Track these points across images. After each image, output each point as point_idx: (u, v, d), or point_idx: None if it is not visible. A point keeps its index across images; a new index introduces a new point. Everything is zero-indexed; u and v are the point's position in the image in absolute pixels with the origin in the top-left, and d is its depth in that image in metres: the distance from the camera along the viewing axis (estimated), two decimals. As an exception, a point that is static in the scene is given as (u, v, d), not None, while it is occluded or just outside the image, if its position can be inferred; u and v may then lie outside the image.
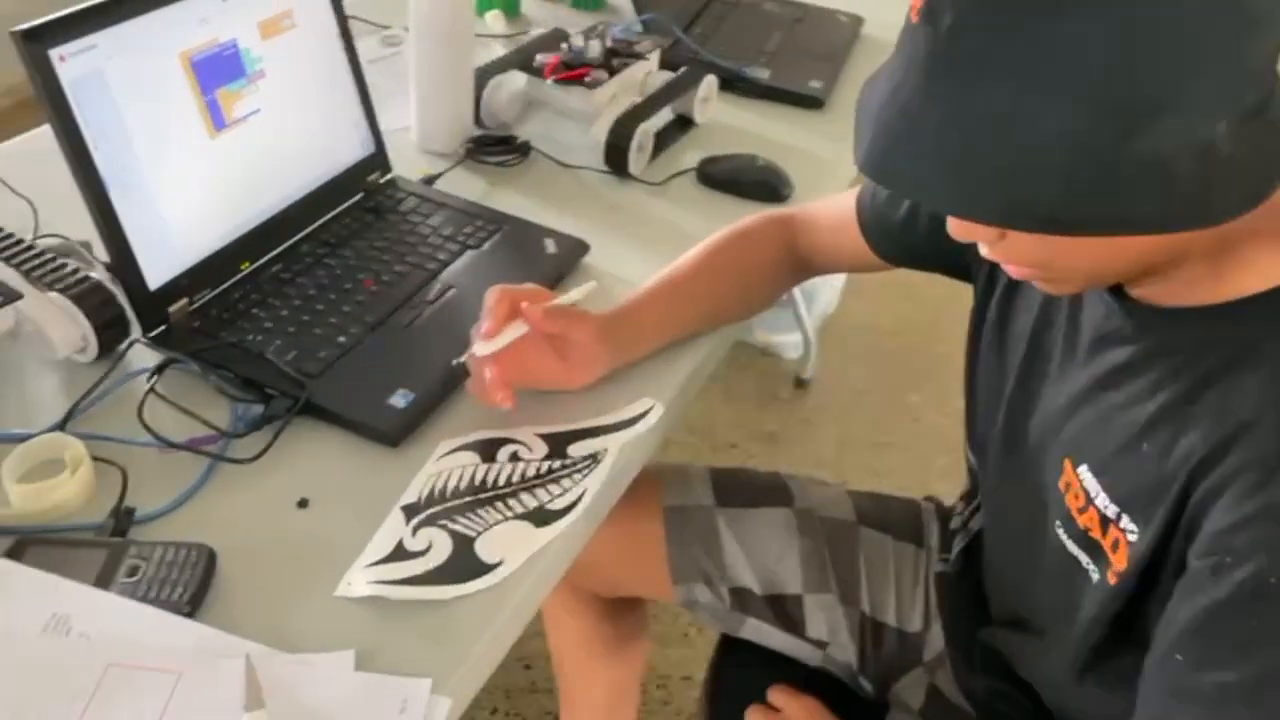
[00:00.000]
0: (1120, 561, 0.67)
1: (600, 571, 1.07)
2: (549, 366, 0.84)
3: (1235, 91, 0.55)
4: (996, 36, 0.54)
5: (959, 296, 0.89)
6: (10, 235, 0.85)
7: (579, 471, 0.79)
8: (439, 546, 0.72)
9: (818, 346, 2.26)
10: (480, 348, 0.78)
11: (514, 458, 0.79)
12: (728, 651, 1.05)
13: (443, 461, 0.78)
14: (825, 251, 0.98)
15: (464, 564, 0.71)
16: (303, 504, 0.74)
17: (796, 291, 2.10)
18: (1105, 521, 0.68)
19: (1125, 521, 0.66)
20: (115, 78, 0.78)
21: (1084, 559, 0.71)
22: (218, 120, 0.87)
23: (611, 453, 0.81)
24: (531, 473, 0.78)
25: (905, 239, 0.92)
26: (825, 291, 2.30)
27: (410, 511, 0.74)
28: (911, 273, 0.97)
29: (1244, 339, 0.62)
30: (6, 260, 0.82)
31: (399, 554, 0.71)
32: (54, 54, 0.74)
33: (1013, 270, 0.66)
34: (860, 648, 0.98)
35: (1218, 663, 0.58)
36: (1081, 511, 0.70)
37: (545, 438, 0.81)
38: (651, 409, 0.86)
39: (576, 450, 0.80)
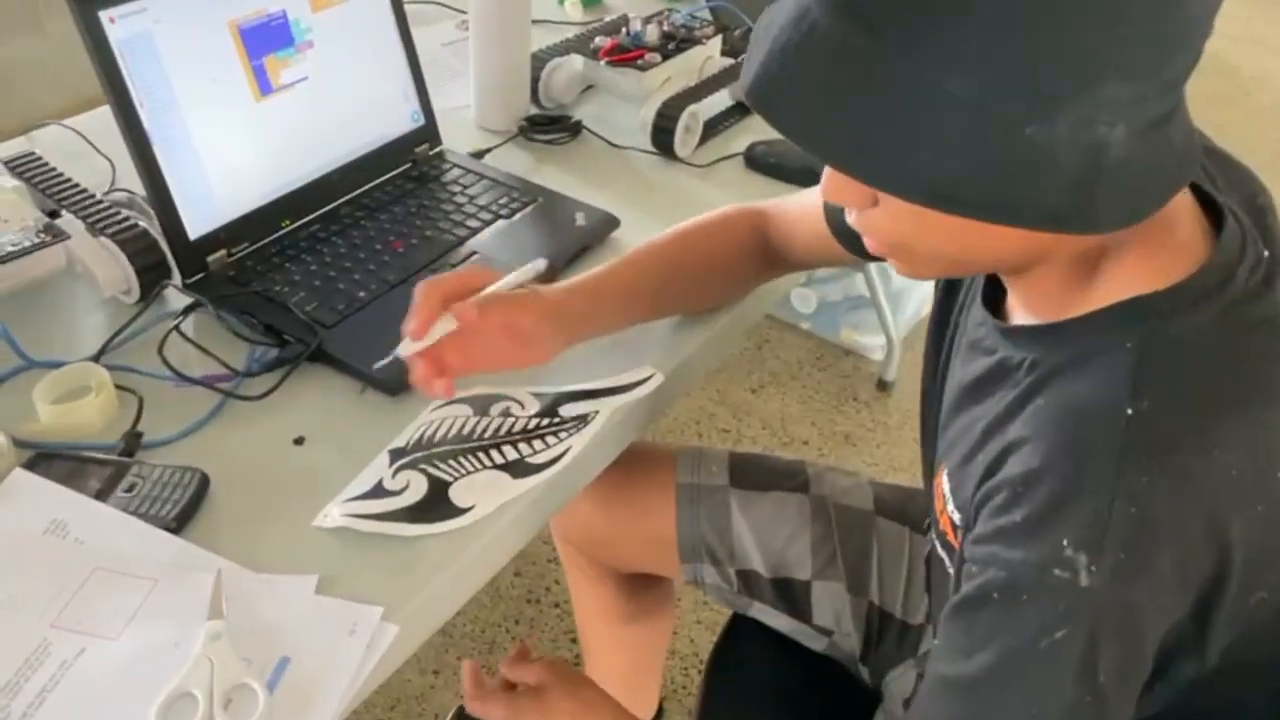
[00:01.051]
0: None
1: (613, 548, 1.09)
2: (496, 351, 0.79)
3: (1144, 99, 0.52)
4: None
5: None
6: (78, 186, 0.92)
7: (565, 430, 0.81)
8: (415, 487, 0.75)
9: (906, 350, 2.22)
10: (405, 347, 0.74)
11: (505, 413, 0.82)
12: (735, 629, 1.05)
13: (437, 412, 0.81)
14: (797, 246, 0.94)
15: (435, 506, 0.74)
16: (299, 441, 0.78)
17: (881, 293, 2.07)
18: (955, 528, 0.67)
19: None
20: (163, 40, 0.85)
21: (947, 562, 0.70)
22: (264, 85, 0.93)
23: (602, 415, 0.83)
24: (519, 428, 0.81)
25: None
26: (917, 295, 2.25)
27: (396, 455, 0.77)
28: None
29: (1071, 357, 0.60)
30: (70, 208, 0.90)
31: (377, 492, 0.74)
32: (104, 15, 0.81)
33: (872, 244, 0.64)
34: (865, 637, 0.97)
35: (949, 656, 0.60)
36: (941, 513, 0.70)
37: (539, 396, 0.84)
38: (651, 377, 0.87)
39: (568, 410, 0.83)
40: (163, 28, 0.85)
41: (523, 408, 0.83)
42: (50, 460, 0.73)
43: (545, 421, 0.82)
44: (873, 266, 2.05)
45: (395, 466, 0.76)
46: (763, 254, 0.94)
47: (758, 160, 1.20)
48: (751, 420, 2.05)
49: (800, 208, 0.92)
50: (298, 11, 0.95)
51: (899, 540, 0.99)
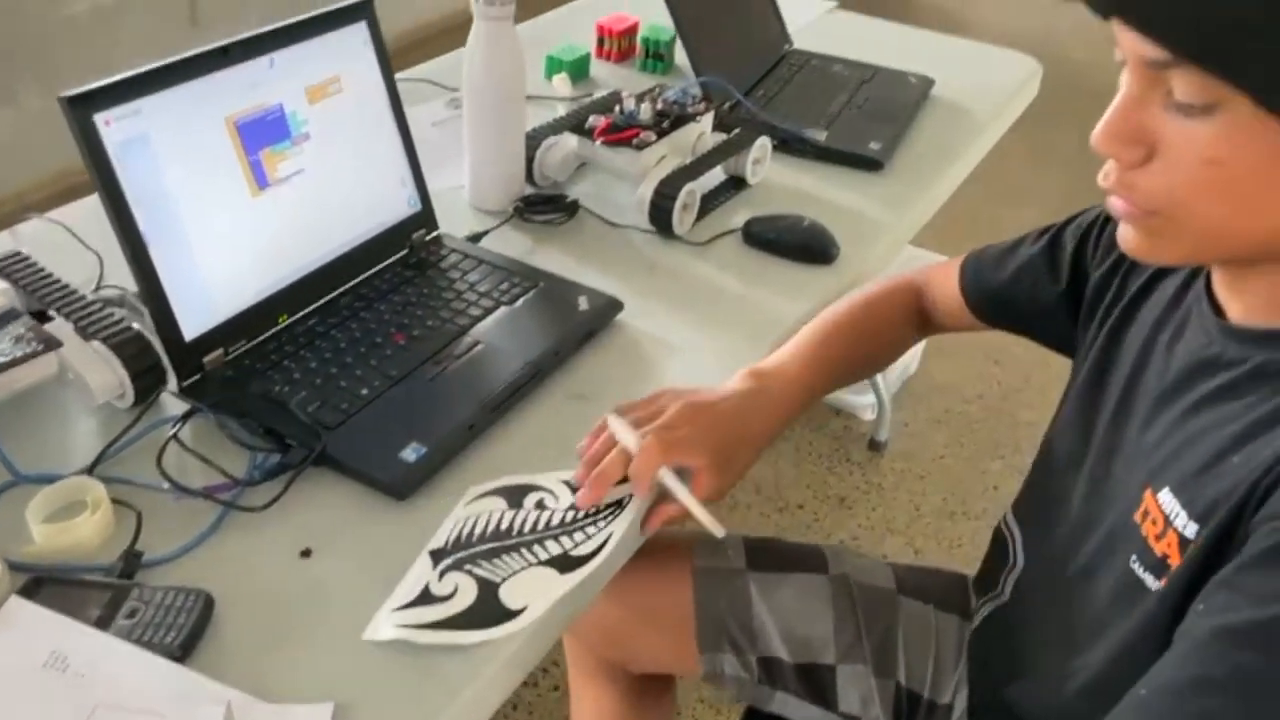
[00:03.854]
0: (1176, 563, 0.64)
1: (627, 641, 1.06)
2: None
3: None
4: None
5: (1049, 361, 0.88)
6: (66, 286, 0.90)
7: (604, 518, 0.79)
8: (464, 591, 0.72)
9: (896, 409, 2.21)
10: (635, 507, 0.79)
11: (540, 505, 0.79)
12: (752, 720, 1.02)
13: (471, 506, 0.79)
14: (936, 312, 1.01)
15: (489, 609, 0.71)
16: (305, 554, 0.75)
17: (870, 352, 2.07)
18: (1184, 544, 0.64)
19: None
20: (159, 140, 0.83)
21: (1150, 581, 0.67)
22: (260, 179, 0.91)
23: (636, 499, 0.81)
24: (556, 520, 0.79)
25: (1005, 300, 0.93)
26: (902, 356, 2.25)
27: (437, 556, 0.75)
28: (1003, 336, 0.99)
29: None
30: (59, 310, 0.87)
31: (425, 598, 0.71)
32: (99, 118, 0.79)
33: (1123, 207, 0.63)
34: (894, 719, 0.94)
35: (1231, 607, 0.55)
36: (1159, 538, 0.66)
37: (570, 485, 0.81)
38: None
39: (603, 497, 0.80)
40: (158, 128, 0.83)
41: (556, 498, 0.80)
42: (48, 585, 0.70)
43: (581, 513, 0.79)
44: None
45: (440, 569, 0.73)
46: (915, 322, 1.02)
47: (755, 236, 1.19)
48: (745, 485, 2.02)
49: (947, 279, 0.98)
50: (294, 104, 0.94)
51: (923, 618, 0.97)
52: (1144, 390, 0.74)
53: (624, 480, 0.80)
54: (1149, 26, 0.56)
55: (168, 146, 0.84)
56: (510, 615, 0.71)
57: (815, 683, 0.95)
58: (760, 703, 0.99)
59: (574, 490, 0.81)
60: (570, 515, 0.79)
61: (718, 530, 0.79)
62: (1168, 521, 0.66)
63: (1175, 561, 0.65)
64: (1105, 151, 0.62)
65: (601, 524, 0.78)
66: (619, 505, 0.80)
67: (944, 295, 0.99)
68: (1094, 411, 0.79)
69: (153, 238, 0.83)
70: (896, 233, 1.27)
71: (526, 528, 0.77)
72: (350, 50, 1.00)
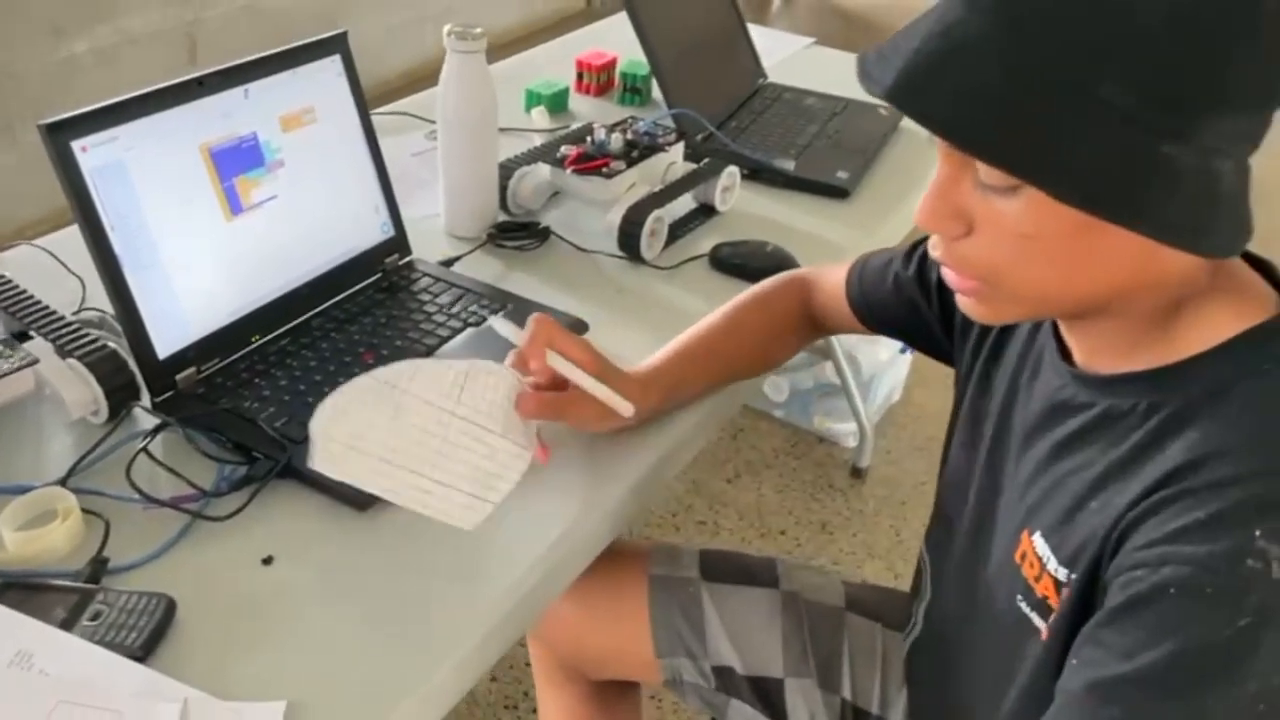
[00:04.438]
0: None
1: (587, 646, 1.08)
2: (589, 413, 0.87)
3: (1249, 137, 0.57)
4: None
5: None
6: (46, 307, 0.93)
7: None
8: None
9: (879, 436, 2.23)
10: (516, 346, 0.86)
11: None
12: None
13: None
14: (829, 314, 1.02)
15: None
16: (267, 561, 0.78)
17: (850, 380, 2.10)
18: (1059, 586, 0.67)
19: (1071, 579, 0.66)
20: (135, 166, 0.87)
21: (1040, 627, 0.69)
22: (234, 205, 0.95)
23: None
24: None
25: (887, 312, 0.95)
26: (887, 381, 2.28)
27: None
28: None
29: (1206, 389, 0.62)
30: (38, 330, 0.90)
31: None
32: (76, 145, 0.83)
33: (955, 279, 0.66)
34: None
35: (1097, 664, 0.57)
36: (1038, 580, 0.69)
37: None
38: None
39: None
40: (134, 155, 0.87)
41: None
42: (15, 590, 0.72)
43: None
44: (840, 354, 2.08)
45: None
46: (804, 321, 1.03)
47: (723, 261, 1.23)
48: (728, 511, 2.04)
49: (835, 284, 1.00)
50: (268, 133, 0.98)
51: (870, 636, 0.99)
52: (1014, 428, 0.76)
53: None
54: (932, 124, 0.58)
55: (143, 173, 0.87)
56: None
57: (765, 694, 0.98)
58: (719, 711, 1.01)
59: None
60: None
61: (624, 406, 0.85)
62: (1042, 565, 0.68)
63: (1054, 603, 0.67)
64: (928, 229, 0.65)
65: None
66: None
67: (832, 299, 1.00)
68: (975, 445, 0.81)
69: (128, 260, 0.87)
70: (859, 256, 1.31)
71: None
72: (324, 82, 1.04)
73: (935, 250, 0.66)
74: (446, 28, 1.15)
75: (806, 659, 0.97)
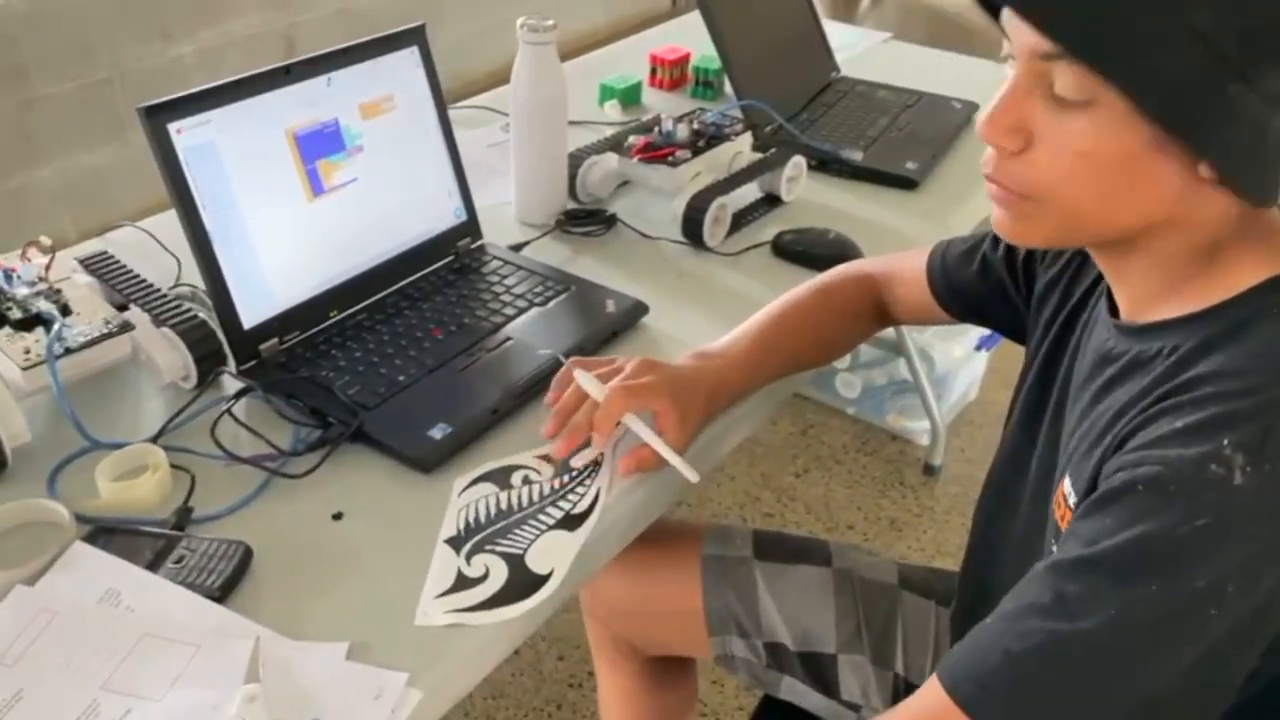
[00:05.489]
0: None
1: (640, 623, 1.11)
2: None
3: None
4: None
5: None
6: (145, 282, 1.00)
7: (588, 477, 0.86)
8: (495, 569, 0.79)
9: (953, 435, 2.22)
10: (590, 454, 0.87)
11: (526, 480, 0.86)
12: (764, 713, 1.06)
13: (464, 495, 0.85)
14: (900, 303, 1.04)
15: (522, 580, 0.78)
16: (337, 517, 0.83)
17: (923, 377, 2.09)
18: None
19: None
20: (225, 148, 0.93)
21: None
22: (316, 186, 1.01)
23: (609, 456, 0.88)
24: (547, 490, 0.85)
25: (971, 296, 0.97)
26: (963, 379, 2.26)
27: (455, 543, 0.81)
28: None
29: (1224, 329, 0.64)
30: (137, 302, 0.97)
31: (462, 583, 0.77)
32: (172, 127, 0.89)
33: (999, 193, 0.68)
34: None
35: (1068, 546, 0.61)
36: (1063, 520, 0.71)
37: (546, 458, 0.88)
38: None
39: (577, 461, 0.87)
40: (225, 137, 0.93)
41: (539, 473, 0.87)
42: (108, 534, 0.78)
43: (566, 477, 0.86)
44: (914, 350, 2.08)
45: (464, 553, 0.80)
46: (870, 313, 1.04)
47: (785, 249, 1.24)
48: (795, 505, 2.05)
49: (906, 272, 1.01)
50: (349, 119, 1.03)
51: (924, 614, 1.00)
52: (1070, 389, 0.78)
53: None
54: (1045, 21, 0.60)
55: (232, 154, 0.94)
56: (542, 580, 0.78)
57: (817, 670, 0.99)
58: (770, 687, 1.03)
59: (550, 461, 0.88)
60: (557, 483, 0.86)
61: (690, 474, 0.86)
62: (1067, 504, 0.70)
63: None
64: (989, 140, 0.66)
65: (589, 483, 0.86)
66: (597, 465, 0.87)
67: (910, 287, 1.01)
68: (1040, 413, 0.82)
69: (217, 235, 0.93)
70: (927, 245, 1.31)
71: (524, 501, 0.84)
72: (403, 72, 1.09)
73: (986, 167, 0.68)
74: (520, 20, 1.20)
75: (860, 635, 0.99)
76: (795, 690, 1.02)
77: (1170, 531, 0.57)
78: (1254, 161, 0.61)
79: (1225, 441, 0.58)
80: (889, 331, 2.13)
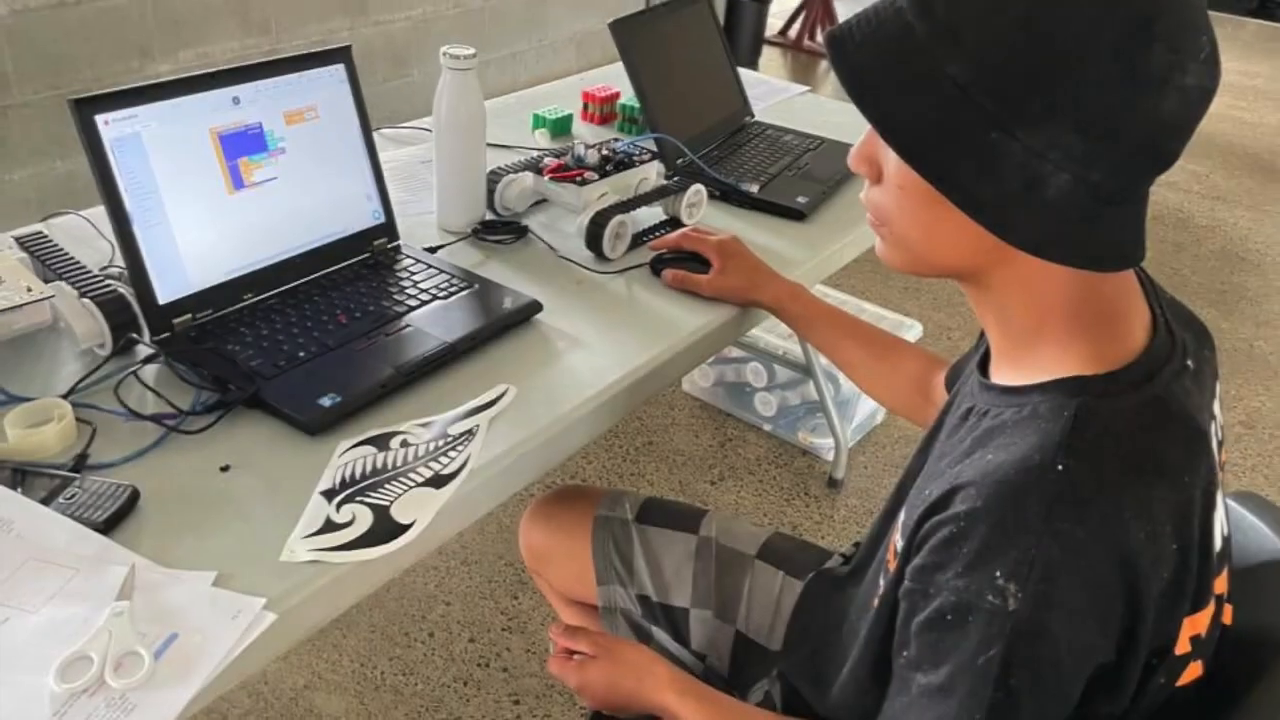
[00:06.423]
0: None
1: (547, 562, 1.20)
2: (740, 280, 1.18)
3: (1092, 163, 0.60)
4: None
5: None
6: (74, 260, 1.04)
7: (460, 444, 0.91)
8: (361, 518, 0.83)
9: (859, 452, 2.27)
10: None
11: (404, 443, 0.90)
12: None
13: (345, 455, 0.90)
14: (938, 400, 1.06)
15: (384, 528, 0.82)
16: (225, 469, 0.87)
17: (828, 397, 2.15)
18: (896, 554, 0.73)
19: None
20: (150, 140, 0.97)
21: (880, 585, 0.77)
22: (237, 182, 1.05)
23: (483, 427, 0.93)
24: (422, 451, 0.89)
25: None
26: (870, 403, 2.32)
27: (329, 494, 0.85)
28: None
29: (1023, 414, 0.66)
30: (64, 277, 1.01)
31: (329, 526, 0.82)
32: (99, 118, 0.94)
33: (869, 219, 0.73)
34: (732, 661, 1.03)
35: (923, 667, 0.65)
36: (889, 546, 0.76)
37: (425, 425, 0.92)
38: (506, 391, 0.98)
39: (454, 430, 0.92)
40: (150, 131, 0.98)
41: (416, 437, 0.91)
42: (8, 472, 0.82)
43: (441, 442, 0.90)
44: (820, 372, 2.14)
45: (335, 502, 0.84)
46: (922, 387, 1.09)
47: (652, 265, 1.30)
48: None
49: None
50: (272, 124, 1.08)
51: (770, 581, 1.06)
52: (946, 419, 0.82)
53: (484, 408, 0.94)
54: (837, 67, 0.65)
55: (156, 146, 0.98)
56: (403, 529, 0.82)
57: (674, 622, 1.05)
58: (644, 637, 1.08)
59: (428, 428, 0.92)
60: (432, 446, 0.90)
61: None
62: (898, 532, 0.75)
63: (890, 564, 0.74)
64: (850, 167, 0.72)
65: (461, 449, 0.90)
66: (470, 434, 0.91)
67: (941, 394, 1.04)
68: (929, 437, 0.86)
69: (138, 218, 0.97)
70: (807, 269, 1.37)
71: (399, 461, 0.88)
72: (328, 86, 1.14)
73: (861, 195, 0.74)
74: (443, 49, 1.26)
75: (709, 594, 1.05)
76: (664, 641, 1.07)
77: (973, 664, 0.62)
78: (1020, 210, 0.61)
79: (998, 574, 0.61)
80: (799, 354, 2.20)
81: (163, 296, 1.00)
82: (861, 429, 2.34)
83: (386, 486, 0.86)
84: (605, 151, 1.40)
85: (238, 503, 0.84)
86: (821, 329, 1.16)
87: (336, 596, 0.79)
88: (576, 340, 1.12)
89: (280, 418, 0.93)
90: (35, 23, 1.73)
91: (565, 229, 1.36)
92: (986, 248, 0.65)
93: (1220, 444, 0.72)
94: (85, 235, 1.18)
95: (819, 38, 5.22)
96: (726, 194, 1.51)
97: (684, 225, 1.41)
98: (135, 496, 0.81)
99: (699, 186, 1.42)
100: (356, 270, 1.17)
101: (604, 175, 1.36)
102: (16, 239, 1.05)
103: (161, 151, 0.99)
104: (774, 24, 5.15)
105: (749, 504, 2.12)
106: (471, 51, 1.27)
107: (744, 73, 1.85)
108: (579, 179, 1.34)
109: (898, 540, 0.73)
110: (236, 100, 1.05)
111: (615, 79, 1.91)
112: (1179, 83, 0.59)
